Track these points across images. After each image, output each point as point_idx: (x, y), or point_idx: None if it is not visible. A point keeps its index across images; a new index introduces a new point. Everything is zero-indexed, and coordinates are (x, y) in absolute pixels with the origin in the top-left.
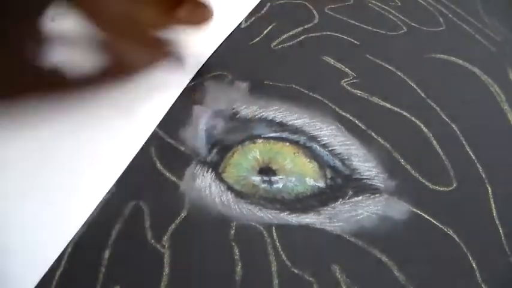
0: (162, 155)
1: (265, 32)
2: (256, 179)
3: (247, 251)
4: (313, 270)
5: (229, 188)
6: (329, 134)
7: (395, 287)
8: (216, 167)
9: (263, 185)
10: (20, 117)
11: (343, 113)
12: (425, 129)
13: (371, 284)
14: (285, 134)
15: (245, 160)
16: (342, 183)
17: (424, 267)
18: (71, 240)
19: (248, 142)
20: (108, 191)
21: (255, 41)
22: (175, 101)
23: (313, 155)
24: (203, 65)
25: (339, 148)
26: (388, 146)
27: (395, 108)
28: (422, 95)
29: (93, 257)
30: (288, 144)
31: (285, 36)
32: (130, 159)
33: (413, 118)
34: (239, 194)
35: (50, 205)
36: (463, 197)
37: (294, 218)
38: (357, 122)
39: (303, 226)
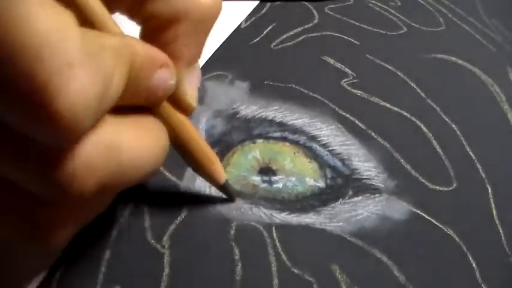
0: None
1: (265, 32)
2: (256, 179)
3: (247, 251)
4: (313, 270)
5: None
6: (329, 134)
7: (395, 287)
8: None
9: (263, 185)
10: None
11: (343, 113)
12: (425, 129)
13: (371, 284)
14: (285, 134)
15: (245, 160)
16: (342, 183)
17: (424, 267)
18: (71, 240)
19: (248, 142)
20: None
21: (255, 41)
22: None
23: (313, 155)
24: (203, 65)
25: (338, 148)
26: (388, 146)
27: (395, 108)
28: (422, 95)
29: (93, 257)
30: (288, 144)
31: (285, 36)
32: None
33: (413, 118)
34: (239, 194)
35: None
36: (463, 197)
37: (294, 218)
38: (356, 122)
39: (303, 226)
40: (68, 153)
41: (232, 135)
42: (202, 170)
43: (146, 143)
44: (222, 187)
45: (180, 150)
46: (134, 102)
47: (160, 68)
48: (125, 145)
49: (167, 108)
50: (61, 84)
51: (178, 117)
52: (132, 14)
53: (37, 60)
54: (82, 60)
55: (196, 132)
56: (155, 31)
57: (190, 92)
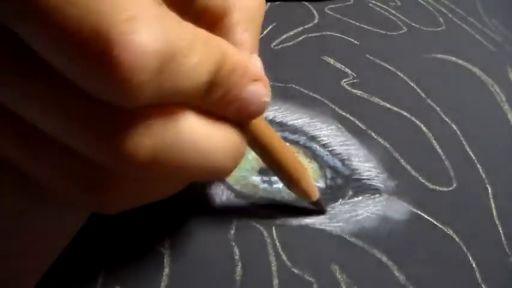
0: None
1: (265, 32)
2: (256, 179)
3: (247, 251)
4: (313, 270)
5: (229, 188)
6: (329, 134)
7: (395, 287)
8: None
9: (263, 185)
10: None
11: (343, 113)
12: (425, 129)
13: (371, 284)
14: (285, 134)
15: (245, 160)
16: (342, 184)
17: (424, 267)
18: (71, 240)
19: None
20: None
21: None
22: None
23: (313, 155)
24: None
25: (338, 148)
26: (388, 146)
27: (395, 108)
28: (423, 95)
29: (93, 257)
30: (288, 144)
31: (285, 36)
32: None
33: (413, 118)
34: (239, 194)
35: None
36: (463, 197)
37: (294, 218)
38: (356, 122)
39: (303, 226)
40: (127, 117)
41: None
42: (294, 187)
43: (217, 139)
44: (314, 202)
45: (270, 166)
46: (223, 112)
47: (255, 81)
48: (188, 129)
49: (257, 124)
50: (119, 35)
51: (269, 134)
52: (184, 12)
53: (99, 11)
54: (146, 18)
55: (287, 148)
56: (211, 27)
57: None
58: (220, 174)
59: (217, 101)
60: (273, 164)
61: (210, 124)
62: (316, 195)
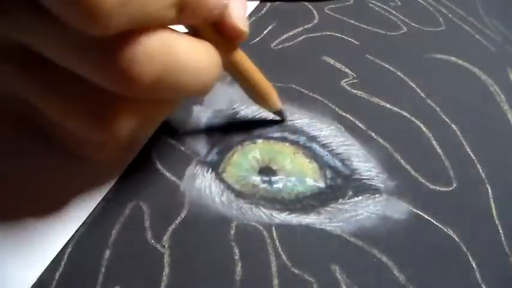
0: (162, 155)
1: (265, 32)
2: (256, 179)
3: (247, 251)
4: (313, 270)
5: (229, 188)
6: (329, 134)
7: (395, 287)
8: (216, 167)
9: (263, 185)
10: None
11: (343, 113)
12: (425, 129)
13: (371, 284)
14: (285, 134)
15: (245, 160)
16: (342, 184)
17: (424, 267)
18: (71, 240)
19: (248, 142)
20: (108, 191)
21: (255, 41)
22: None
23: (313, 155)
24: None
25: (338, 148)
26: (388, 146)
27: (395, 108)
28: (422, 95)
29: (93, 257)
30: (288, 144)
31: (285, 36)
32: (131, 160)
33: (413, 118)
34: (239, 194)
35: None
36: (463, 197)
37: (294, 218)
38: (357, 122)
39: (303, 226)
40: (128, 41)
41: (232, 135)
42: (263, 101)
43: (201, 51)
44: (278, 112)
45: (242, 85)
46: (196, 25)
47: None
48: (182, 45)
49: (222, 41)
50: None
51: (243, 59)
52: None
53: None
54: None
55: (258, 70)
56: None
57: (236, 16)
58: (204, 91)
59: (189, 17)
60: (245, 83)
61: (196, 45)
62: (279, 106)
